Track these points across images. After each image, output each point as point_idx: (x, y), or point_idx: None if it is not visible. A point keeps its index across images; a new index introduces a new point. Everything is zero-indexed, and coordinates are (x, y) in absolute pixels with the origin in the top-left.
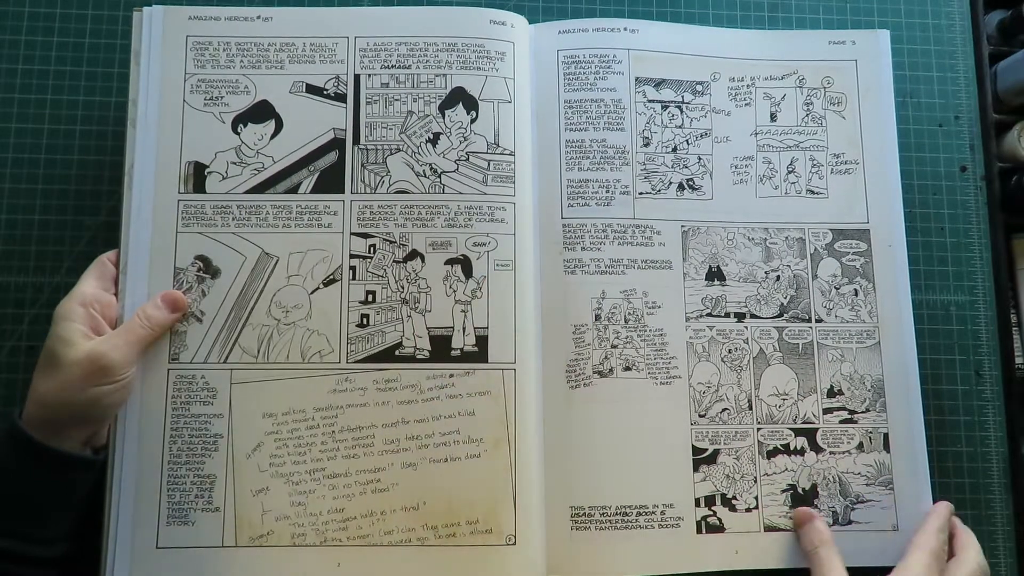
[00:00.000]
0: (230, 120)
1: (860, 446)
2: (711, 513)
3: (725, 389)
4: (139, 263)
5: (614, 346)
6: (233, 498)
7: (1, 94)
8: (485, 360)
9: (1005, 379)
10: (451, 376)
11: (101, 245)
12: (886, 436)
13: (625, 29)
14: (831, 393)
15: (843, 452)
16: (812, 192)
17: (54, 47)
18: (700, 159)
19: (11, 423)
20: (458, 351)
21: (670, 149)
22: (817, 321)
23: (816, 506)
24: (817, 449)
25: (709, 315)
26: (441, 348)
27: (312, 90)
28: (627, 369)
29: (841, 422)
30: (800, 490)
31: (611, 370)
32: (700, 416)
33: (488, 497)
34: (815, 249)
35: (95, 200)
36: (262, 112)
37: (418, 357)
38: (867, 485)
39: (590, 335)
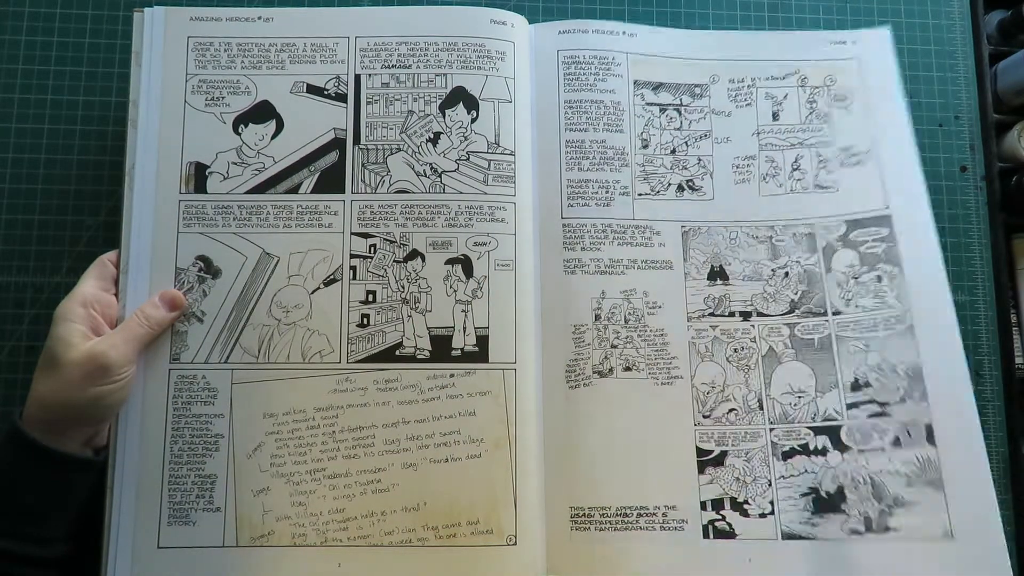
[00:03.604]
0: (231, 120)
1: (896, 441)
2: (719, 517)
3: (732, 389)
4: (140, 263)
5: (614, 346)
6: (234, 498)
7: (1, 94)
8: (485, 360)
9: (1005, 379)
10: (451, 376)
11: (101, 245)
12: (929, 427)
13: (623, 33)
14: (856, 386)
15: (874, 449)
16: (820, 187)
17: (54, 47)
18: (700, 160)
19: (11, 424)
20: (458, 351)
21: (669, 151)
22: (835, 313)
23: (844, 511)
24: (842, 448)
25: (712, 315)
26: (441, 348)
27: (313, 90)
28: (627, 369)
29: (870, 416)
30: (824, 493)
31: (611, 370)
32: (704, 417)
33: (488, 497)
34: (827, 243)
35: (95, 200)
36: (263, 112)
37: (418, 357)
38: (908, 485)
39: (590, 335)
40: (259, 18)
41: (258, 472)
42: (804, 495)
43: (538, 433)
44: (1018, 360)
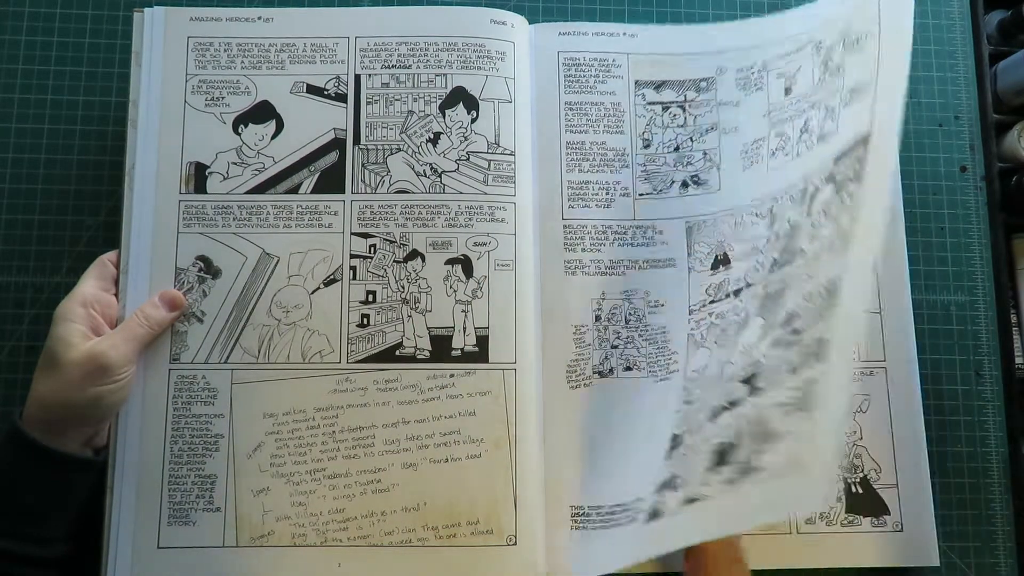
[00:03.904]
0: (231, 121)
1: (794, 370)
2: (661, 500)
3: (712, 368)
4: (140, 263)
5: (614, 347)
6: (234, 498)
7: (1, 94)
8: (486, 360)
9: (1005, 379)
10: (451, 376)
11: (101, 245)
12: (823, 342)
13: (624, 34)
14: (786, 321)
15: (775, 382)
16: (823, 138)
17: (54, 47)
18: (706, 154)
19: (11, 424)
20: (458, 351)
21: (672, 149)
22: (800, 252)
23: (729, 462)
24: (756, 391)
25: (712, 302)
26: (441, 348)
27: (313, 90)
28: (628, 369)
29: (785, 348)
30: (723, 447)
31: (611, 370)
32: (686, 403)
33: (488, 497)
34: (815, 188)
35: (95, 200)
36: (263, 112)
37: (418, 357)
38: (786, 415)
39: (590, 335)
40: (259, 18)
41: (258, 472)
42: (711, 454)
43: (538, 433)
44: (1018, 360)
